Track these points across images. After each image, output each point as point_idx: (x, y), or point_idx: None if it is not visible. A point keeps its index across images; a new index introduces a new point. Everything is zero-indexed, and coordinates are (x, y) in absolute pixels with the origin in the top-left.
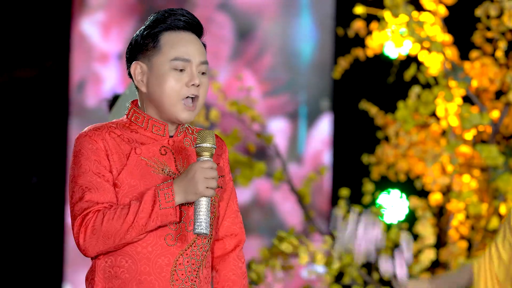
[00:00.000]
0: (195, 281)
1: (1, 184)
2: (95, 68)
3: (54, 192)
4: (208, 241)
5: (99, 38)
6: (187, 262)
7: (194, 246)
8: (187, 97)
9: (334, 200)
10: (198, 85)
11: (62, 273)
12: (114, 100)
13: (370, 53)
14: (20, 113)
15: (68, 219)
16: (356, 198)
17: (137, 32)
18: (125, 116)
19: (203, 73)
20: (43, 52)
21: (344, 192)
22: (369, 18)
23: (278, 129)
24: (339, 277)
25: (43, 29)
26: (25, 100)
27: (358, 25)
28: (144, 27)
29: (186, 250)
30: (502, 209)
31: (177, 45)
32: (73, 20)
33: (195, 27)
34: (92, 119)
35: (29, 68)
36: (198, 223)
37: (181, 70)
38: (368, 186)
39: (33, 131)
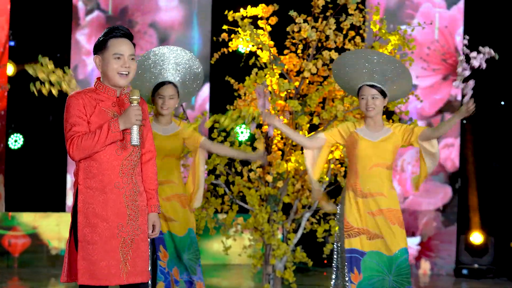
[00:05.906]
0: (132, 174)
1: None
2: (83, 58)
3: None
4: (138, 153)
5: (85, 42)
6: (128, 163)
7: (131, 156)
8: (121, 73)
9: (211, 129)
10: (128, 66)
11: (66, 167)
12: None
13: (231, 50)
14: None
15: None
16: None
17: (97, 39)
18: (93, 85)
19: (132, 59)
20: (56, 50)
21: (217, 124)
22: (230, 32)
23: None
24: (213, 171)
25: (57, 37)
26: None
27: (224, 35)
28: (100, 37)
29: (127, 157)
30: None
31: (116, 45)
32: (72, 32)
33: (128, 35)
34: (81, 85)
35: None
36: (132, 139)
37: (118, 58)
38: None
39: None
